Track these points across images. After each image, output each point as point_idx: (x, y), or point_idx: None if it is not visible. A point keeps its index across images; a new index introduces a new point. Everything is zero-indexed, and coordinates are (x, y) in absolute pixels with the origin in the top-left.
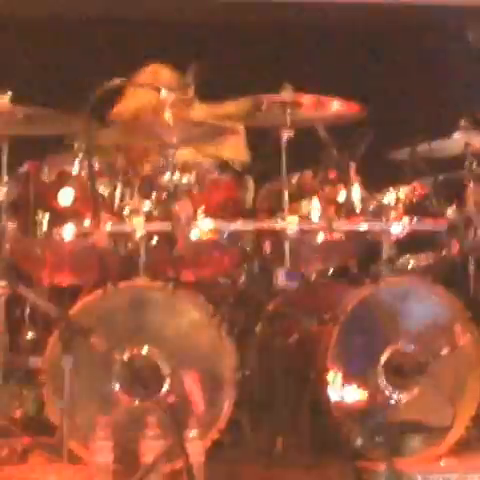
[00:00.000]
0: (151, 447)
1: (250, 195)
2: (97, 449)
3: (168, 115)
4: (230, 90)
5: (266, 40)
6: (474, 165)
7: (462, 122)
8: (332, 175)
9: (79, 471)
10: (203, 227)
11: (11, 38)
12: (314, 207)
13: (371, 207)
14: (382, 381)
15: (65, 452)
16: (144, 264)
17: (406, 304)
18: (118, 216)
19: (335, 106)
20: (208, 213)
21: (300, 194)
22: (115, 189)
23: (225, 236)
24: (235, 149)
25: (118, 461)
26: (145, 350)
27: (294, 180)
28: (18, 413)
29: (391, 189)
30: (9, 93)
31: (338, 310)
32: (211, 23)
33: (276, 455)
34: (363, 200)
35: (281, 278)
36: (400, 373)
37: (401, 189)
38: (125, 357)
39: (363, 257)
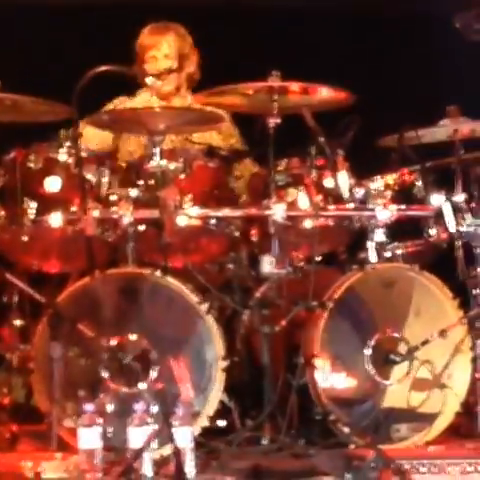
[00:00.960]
0: (139, 434)
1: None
2: (85, 436)
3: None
4: (217, 77)
5: (254, 26)
6: (462, 152)
7: (450, 109)
8: (320, 162)
9: (68, 458)
10: (190, 214)
11: None
12: (301, 194)
13: (359, 194)
14: (370, 368)
15: (54, 439)
16: (132, 251)
17: (394, 290)
18: (105, 203)
19: (323, 93)
20: (195, 200)
21: (288, 181)
22: (102, 176)
23: (212, 223)
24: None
25: (106, 448)
26: (133, 337)
27: (282, 167)
28: (6, 400)
29: (378, 176)
30: None
31: (326, 297)
32: (201, 8)
33: (265, 442)
34: (351, 187)
35: (269, 265)
36: (388, 360)
37: (389, 176)
38: (113, 344)
39: (351, 244)
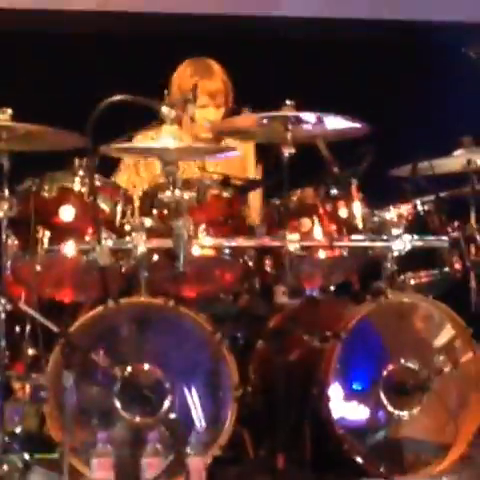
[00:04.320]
0: (152, 464)
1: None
2: (98, 465)
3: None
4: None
5: (268, 56)
6: (476, 182)
7: (464, 139)
8: (334, 192)
9: None
10: (204, 243)
11: (11, 54)
12: (315, 224)
13: (373, 224)
14: (383, 398)
15: (66, 468)
16: (145, 281)
17: (407, 321)
18: (119, 233)
19: (337, 123)
20: (209, 229)
21: (301, 211)
22: (116, 205)
23: (226, 253)
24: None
25: (119, 477)
26: (146, 367)
27: (295, 197)
28: (19, 429)
29: (391, 207)
30: (10, 111)
31: (340, 327)
32: (213, 38)
33: (278, 472)
34: (364, 217)
35: (282, 295)
36: (402, 390)
37: (402, 206)
38: (126, 374)
39: (365, 274)
